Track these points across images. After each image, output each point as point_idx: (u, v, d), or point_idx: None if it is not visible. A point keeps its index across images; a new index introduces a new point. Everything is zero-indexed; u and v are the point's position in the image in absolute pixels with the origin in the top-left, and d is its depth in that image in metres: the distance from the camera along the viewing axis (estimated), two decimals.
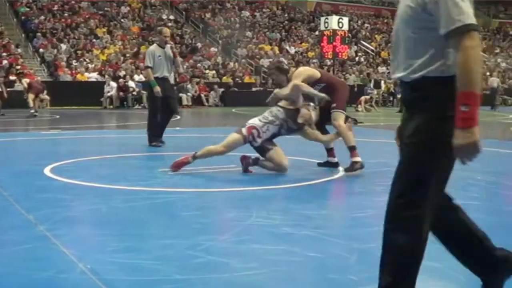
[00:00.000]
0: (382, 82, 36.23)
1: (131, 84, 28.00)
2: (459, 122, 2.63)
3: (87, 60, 31.34)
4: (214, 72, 33.87)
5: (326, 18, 20.73)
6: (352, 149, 8.19)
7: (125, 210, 5.67)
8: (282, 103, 8.28)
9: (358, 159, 8.13)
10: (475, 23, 2.68)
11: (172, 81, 12.24)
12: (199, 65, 34.13)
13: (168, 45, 11.87)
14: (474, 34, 2.66)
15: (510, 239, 4.91)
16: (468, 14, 2.67)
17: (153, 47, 11.78)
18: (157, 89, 11.20)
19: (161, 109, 11.43)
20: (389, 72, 39.63)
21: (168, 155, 10.14)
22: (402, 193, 2.84)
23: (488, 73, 45.27)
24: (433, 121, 2.77)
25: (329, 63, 33.70)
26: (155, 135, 11.51)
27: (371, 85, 32.86)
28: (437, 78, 2.78)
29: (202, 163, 8.68)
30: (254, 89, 32.84)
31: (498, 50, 54.64)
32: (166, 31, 12.17)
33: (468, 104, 2.62)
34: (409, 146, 2.87)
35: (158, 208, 5.83)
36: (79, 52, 32.14)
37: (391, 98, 32.70)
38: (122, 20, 38.08)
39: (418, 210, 2.82)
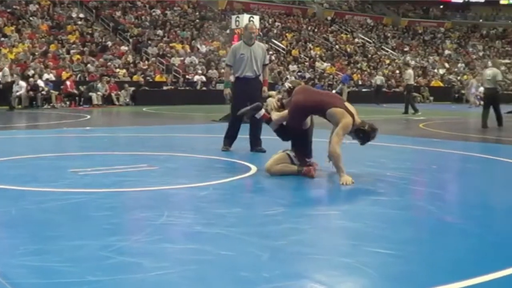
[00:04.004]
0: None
1: (40, 83, 27.42)
2: None
3: None
4: (124, 71, 33.50)
5: (237, 17, 20.73)
6: None
7: (35, 212, 5.58)
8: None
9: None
10: None
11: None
12: (109, 63, 33.72)
13: (262, 45, 10.99)
14: None
15: (417, 234, 5.09)
16: None
17: (238, 44, 10.80)
18: (227, 91, 10.35)
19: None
20: (299, 71, 40.16)
21: (78, 155, 10.03)
22: None
23: (397, 71, 46.48)
24: None
25: None
26: (228, 137, 10.47)
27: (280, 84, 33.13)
28: None
29: (113, 163, 8.62)
30: (165, 88, 32.68)
31: (407, 49, 56.08)
32: (251, 26, 11.02)
33: None
34: None
35: (68, 209, 5.75)
36: None
37: None
38: (31, 18, 37.21)
39: None
